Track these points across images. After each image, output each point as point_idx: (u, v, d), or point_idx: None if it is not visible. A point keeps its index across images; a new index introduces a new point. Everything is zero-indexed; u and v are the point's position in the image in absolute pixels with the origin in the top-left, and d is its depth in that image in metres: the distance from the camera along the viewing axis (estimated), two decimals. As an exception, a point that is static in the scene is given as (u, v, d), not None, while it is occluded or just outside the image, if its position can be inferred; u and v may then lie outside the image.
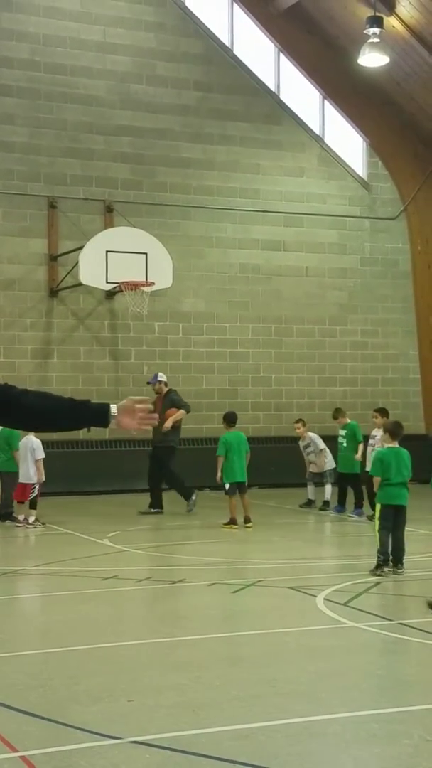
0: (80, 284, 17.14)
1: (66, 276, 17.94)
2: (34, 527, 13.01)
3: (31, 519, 13.15)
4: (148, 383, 15.53)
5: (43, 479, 13.27)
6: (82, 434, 17.83)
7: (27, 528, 13.01)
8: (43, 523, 13.18)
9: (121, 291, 17.22)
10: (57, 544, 12.02)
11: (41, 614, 8.35)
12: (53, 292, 18.39)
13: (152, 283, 16.84)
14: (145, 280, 16.74)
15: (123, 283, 16.74)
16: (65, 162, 18.60)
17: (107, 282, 16.76)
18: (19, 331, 18.22)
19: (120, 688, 5.79)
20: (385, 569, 9.28)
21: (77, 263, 16.89)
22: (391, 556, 9.36)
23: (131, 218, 18.17)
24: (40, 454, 13.20)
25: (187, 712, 5.35)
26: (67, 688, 5.85)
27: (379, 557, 9.35)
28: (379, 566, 9.33)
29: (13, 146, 18.24)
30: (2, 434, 13.45)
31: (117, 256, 16.54)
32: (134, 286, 16.87)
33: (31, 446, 13.22)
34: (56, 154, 18.54)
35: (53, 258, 18.34)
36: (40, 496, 13.47)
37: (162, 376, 15.38)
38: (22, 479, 13.23)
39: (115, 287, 17.09)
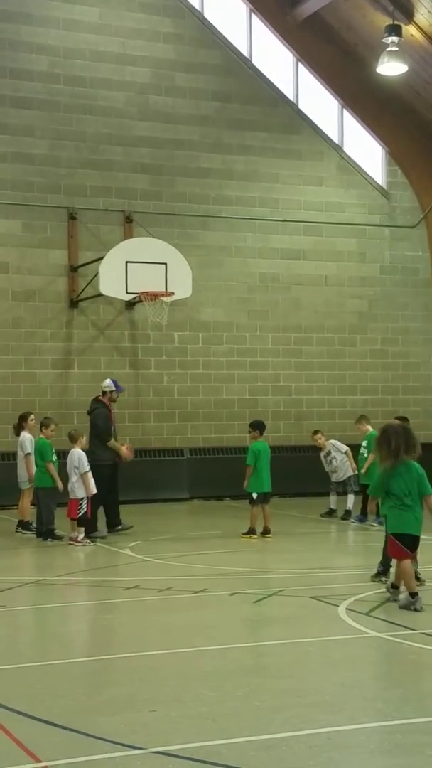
0: (100, 295, 17.19)
1: (86, 287, 18.00)
2: (83, 545, 12.36)
3: (80, 537, 12.46)
4: (119, 391, 14.03)
5: (93, 492, 12.53)
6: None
7: (76, 546, 12.32)
8: (93, 542, 12.56)
9: (141, 301, 17.26)
10: (78, 554, 12.03)
11: (63, 624, 8.35)
12: (73, 303, 18.46)
13: (172, 293, 16.87)
14: (164, 290, 16.78)
15: (143, 293, 16.78)
16: (85, 173, 18.69)
17: (127, 292, 16.81)
18: (39, 342, 18.30)
19: (142, 698, 5.78)
20: (383, 578, 9.31)
21: (97, 274, 16.95)
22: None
23: (151, 228, 18.23)
24: (85, 467, 12.48)
25: (209, 722, 5.33)
26: (89, 698, 5.85)
27: (379, 566, 9.41)
28: (377, 574, 9.41)
29: (33, 158, 18.36)
30: (36, 447, 13.17)
31: (136, 266, 16.58)
32: (154, 296, 16.91)
33: (75, 459, 12.56)
34: (76, 166, 18.64)
35: (73, 269, 18.41)
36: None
37: None
38: (70, 495, 12.55)
39: (135, 297, 17.13)
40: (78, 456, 12.63)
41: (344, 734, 5.13)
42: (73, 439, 12.85)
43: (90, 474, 12.61)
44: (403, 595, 8.43)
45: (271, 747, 4.93)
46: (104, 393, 13.74)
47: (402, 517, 8.42)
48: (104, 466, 13.27)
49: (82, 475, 12.54)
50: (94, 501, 12.87)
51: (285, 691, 5.93)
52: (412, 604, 8.21)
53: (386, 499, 8.53)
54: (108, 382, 13.93)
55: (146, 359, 18.98)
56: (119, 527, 13.47)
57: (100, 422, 13.43)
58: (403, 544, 8.43)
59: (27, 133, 18.34)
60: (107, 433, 13.44)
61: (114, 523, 13.50)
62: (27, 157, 18.30)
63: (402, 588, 8.53)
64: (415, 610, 8.12)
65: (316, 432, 15.81)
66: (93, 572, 10.67)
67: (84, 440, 12.99)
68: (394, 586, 8.59)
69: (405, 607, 8.23)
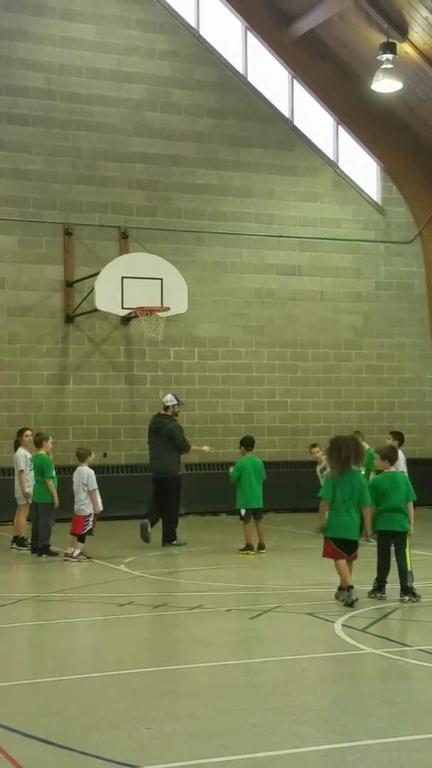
0: (96, 310, 17.22)
1: (82, 302, 18.02)
2: (78, 561, 12.30)
3: (76, 552, 12.40)
4: (180, 405, 14.63)
5: (100, 509, 12.55)
6: (98, 459, 17.83)
7: (71, 562, 12.28)
8: (89, 557, 12.47)
9: (137, 316, 17.29)
10: (73, 570, 12.00)
11: (58, 641, 8.32)
12: (69, 318, 18.47)
13: (167, 309, 16.91)
14: (160, 305, 16.81)
15: (138, 308, 16.81)
16: (81, 189, 18.74)
17: (123, 308, 16.84)
18: (35, 357, 18.30)
19: (137, 715, 5.75)
20: (378, 594, 9.37)
21: (93, 289, 16.99)
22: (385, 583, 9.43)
23: (146, 244, 18.27)
24: (93, 485, 12.54)
25: (204, 739, 5.31)
26: (84, 715, 5.82)
27: (374, 583, 9.48)
28: (374, 590, 9.46)
29: (30, 174, 18.41)
30: (35, 463, 13.17)
31: (132, 281, 16.62)
32: (149, 311, 16.94)
33: (84, 477, 12.59)
34: (72, 182, 18.69)
35: (69, 284, 18.44)
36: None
37: None
38: (77, 512, 12.57)
39: (131, 313, 17.16)
40: (87, 474, 12.67)
41: (340, 752, 5.11)
42: (81, 458, 12.90)
43: (97, 491, 12.64)
44: (347, 594, 9.11)
45: (267, 765, 4.91)
46: (166, 408, 14.31)
47: (341, 522, 9.14)
48: (180, 477, 14.09)
49: (91, 493, 12.56)
50: (169, 511, 13.80)
51: (281, 708, 5.91)
52: (346, 597, 9.05)
53: (331, 504, 9.21)
54: (170, 396, 14.54)
55: (142, 374, 18.99)
56: (175, 542, 13.91)
57: (178, 434, 14.06)
58: (338, 546, 9.18)
59: (23, 150, 18.40)
60: (187, 444, 14.18)
61: (171, 538, 13.96)
62: (23, 173, 18.36)
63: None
64: (351, 603, 8.94)
65: (314, 445, 15.77)
66: (88, 588, 10.63)
67: (92, 458, 13.05)
68: (340, 588, 9.19)
69: (340, 599, 9.11)
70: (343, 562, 9.18)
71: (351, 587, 9.08)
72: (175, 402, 14.33)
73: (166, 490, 13.95)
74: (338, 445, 9.30)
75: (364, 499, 9.22)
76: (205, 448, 14.32)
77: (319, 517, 9.36)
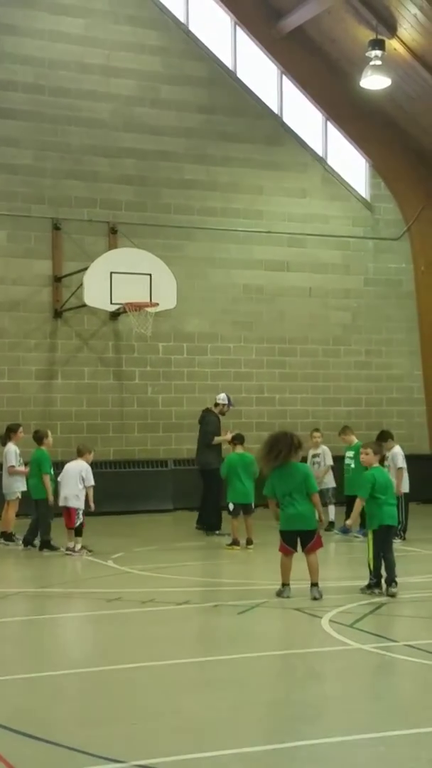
0: (84, 305, 17.18)
1: (70, 297, 17.98)
2: (80, 555, 12.39)
3: (77, 547, 12.49)
4: (230, 406, 15.20)
5: (92, 508, 12.68)
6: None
7: (73, 556, 12.33)
8: (90, 551, 12.55)
9: (125, 312, 17.26)
10: (60, 566, 11.98)
11: (44, 636, 8.31)
12: (57, 313, 18.43)
13: (156, 304, 16.88)
14: (149, 300, 16.78)
15: (127, 304, 16.78)
16: (69, 184, 18.69)
17: (111, 303, 16.80)
18: (23, 352, 18.25)
19: (123, 710, 5.75)
20: (377, 590, 9.37)
21: (81, 284, 16.95)
22: (384, 576, 9.41)
23: (135, 239, 18.24)
24: (91, 481, 12.64)
25: (190, 735, 5.31)
26: (70, 710, 5.82)
27: (373, 578, 9.46)
28: (370, 586, 9.45)
29: (18, 169, 18.34)
30: (33, 458, 13.18)
31: (121, 277, 16.59)
32: (138, 306, 16.91)
33: (83, 470, 12.68)
34: (60, 177, 18.63)
35: (57, 279, 18.39)
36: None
37: None
38: (69, 503, 12.59)
39: (119, 308, 17.13)
40: (87, 468, 12.80)
41: (327, 747, 5.12)
42: (80, 453, 13.05)
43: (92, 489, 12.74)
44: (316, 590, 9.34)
45: (254, 760, 4.91)
46: (216, 404, 15.00)
47: (287, 515, 9.34)
48: (216, 470, 14.21)
49: (88, 488, 12.68)
50: (209, 503, 14.41)
51: (267, 704, 5.92)
52: (282, 592, 9.34)
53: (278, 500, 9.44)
54: (223, 395, 15.28)
55: (130, 370, 18.96)
56: (218, 531, 14.34)
57: (209, 427, 14.64)
58: (287, 539, 9.36)
59: (11, 144, 18.33)
60: (212, 435, 14.56)
61: (215, 526, 14.45)
62: (11, 168, 18.29)
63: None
64: (287, 597, 9.25)
65: (316, 429, 15.74)
66: (76, 584, 10.62)
67: (91, 456, 13.09)
68: (284, 584, 9.41)
69: (278, 594, 9.35)
70: (286, 559, 9.41)
71: (287, 584, 9.34)
72: (226, 402, 15.00)
73: (203, 481, 14.59)
74: (269, 442, 9.48)
75: (310, 486, 9.36)
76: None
77: (272, 512, 9.66)
